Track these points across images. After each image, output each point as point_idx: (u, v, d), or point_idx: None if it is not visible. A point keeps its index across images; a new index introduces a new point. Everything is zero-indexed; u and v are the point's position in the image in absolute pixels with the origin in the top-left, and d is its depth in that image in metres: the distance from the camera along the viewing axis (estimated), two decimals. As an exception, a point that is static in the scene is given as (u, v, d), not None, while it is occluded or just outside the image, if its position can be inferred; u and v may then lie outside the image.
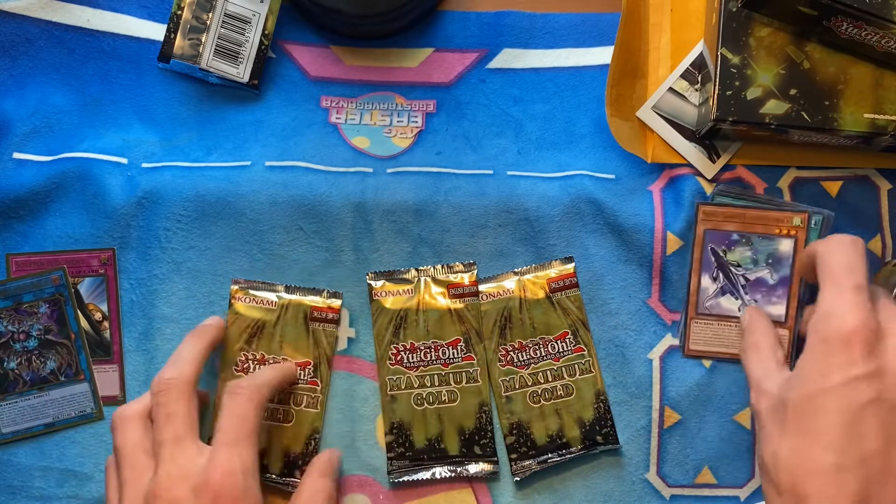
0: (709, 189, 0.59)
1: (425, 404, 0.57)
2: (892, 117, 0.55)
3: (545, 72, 0.62)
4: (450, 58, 0.62)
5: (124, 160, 0.59)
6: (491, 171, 0.60)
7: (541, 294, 0.59)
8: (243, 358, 0.57)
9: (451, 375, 0.58)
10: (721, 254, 0.59)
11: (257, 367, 0.57)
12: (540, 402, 0.58)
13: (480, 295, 0.59)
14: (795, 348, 0.59)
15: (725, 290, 0.59)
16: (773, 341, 0.51)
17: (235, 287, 0.58)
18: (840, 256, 0.47)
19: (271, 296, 0.58)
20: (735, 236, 0.59)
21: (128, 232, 0.58)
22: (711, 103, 0.56)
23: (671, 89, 0.60)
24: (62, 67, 0.61)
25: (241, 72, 0.60)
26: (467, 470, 0.57)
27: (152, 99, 0.61)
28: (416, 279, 0.59)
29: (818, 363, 0.44)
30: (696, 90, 0.60)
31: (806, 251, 0.51)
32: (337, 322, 0.58)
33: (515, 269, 0.59)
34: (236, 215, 0.58)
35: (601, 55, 0.62)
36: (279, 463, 0.57)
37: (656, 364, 0.58)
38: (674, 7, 0.61)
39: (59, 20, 0.61)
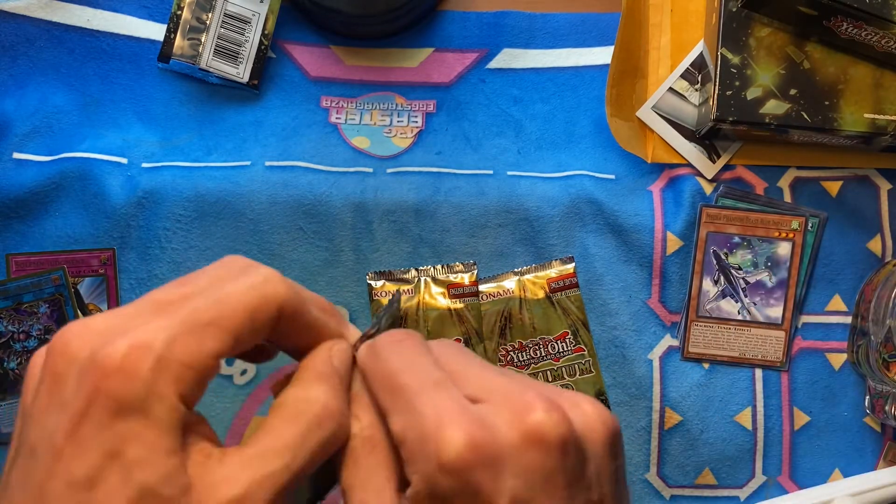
0: (709, 189, 0.59)
1: (425, 404, 0.57)
2: (892, 117, 0.55)
3: (545, 72, 0.62)
4: (450, 58, 0.62)
5: (124, 160, 0.59)
6: (491, 171, 0.60)
7: (541, 294, 0.59)
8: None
9: (451, 375, 0.58)
10: (723, 256, 0.59)
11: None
12: (540, 402, 0.58)
13: (480, 295, 0.59)
14: (791, 349, 0.59)
15: (726, 293, 0.59)
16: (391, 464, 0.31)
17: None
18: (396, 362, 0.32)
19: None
20: (736, 239, 0.59)
21: (128, 232, 0.58)
22: (711, 103, 0.56)
23: (671, 89, 0.60)
24: (62, 67, 0.61)
25: (241, 72, 0.60)
26: (467, 470, 0.57)
27: (152, 99, 0.61)
28: (416, 279, 0.59)
29: None
30: (696, 90, 0.60)
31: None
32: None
33: (515, 269, 0.59)
34: (236, 215, 0.58)
35: (601, 55, 0.62)
36: None
37: (656, 365, 0.58)
38: (674, 7, 0.61)
39: (59, 20, 0.60)
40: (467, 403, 0.29)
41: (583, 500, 0.29)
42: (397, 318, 0.35)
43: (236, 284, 0.30)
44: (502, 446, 0.28)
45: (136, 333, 0.28)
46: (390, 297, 0.40)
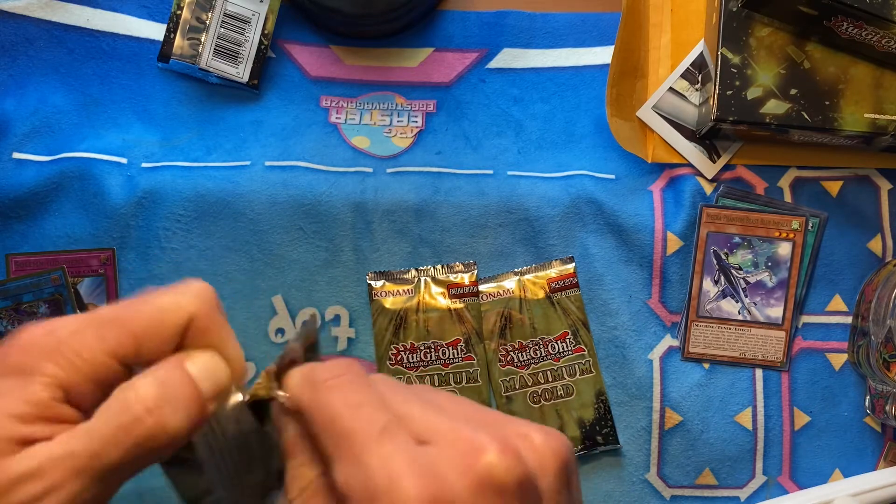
0: (709, 189, 0.59)
1: (425, 404, 0.57)
2: (893, 117, 0.55)
3: (545, 71, 0.62)
4: (450, 57, 0.62)
5: (124, 160, 0.59)
6: (491, 171, 0.60)
7: (541, 294, 0.58)
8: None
9: (451, 375, 0.58)
10: (723, 257, 0.59)
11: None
12: (540, 402, 0.58)
13: (480, 295, 0.59)
14: (791, 349, 0.59)
15: (726, 293, 0.59)
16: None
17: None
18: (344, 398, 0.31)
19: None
20: (737, 239, 0.59)
21: (127, 232, 0.58)
22: (712, 103, 0.56)
23: (671, 89, 0.60)
24: (62, 67, 0.60)
25: (241, 72, 0.60)
26: (467, 470, 0.57)
27: (152, 99, 0.61)
28: (416, 279, 0.59)
29: None
30: (697, 90, 0.60)
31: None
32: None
33: (515, 269, 0.59)
34: (236, 215, 0.58)
35: (601, 55, 0.62)
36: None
37: (656, 365, 0.58)
38: (674, 7, 0.60)
39: (59, 20, 0.60)
40: (417, 451, 0.28)
41: None
42: (313, 342, 0.33)
43: (158, 294, 0.31)
44: (456, 496, 0.27)
45: (55, 323, 0.30)
46: (306, 319, 0.36)
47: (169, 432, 0.29)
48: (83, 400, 0.30)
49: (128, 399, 0.29)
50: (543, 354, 0.58)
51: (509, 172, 0.60)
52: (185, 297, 0.31)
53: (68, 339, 0.29)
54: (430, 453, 0.28)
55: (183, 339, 0.31)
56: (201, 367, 0.31)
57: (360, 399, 0.30)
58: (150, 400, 0.29)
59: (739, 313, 0.59)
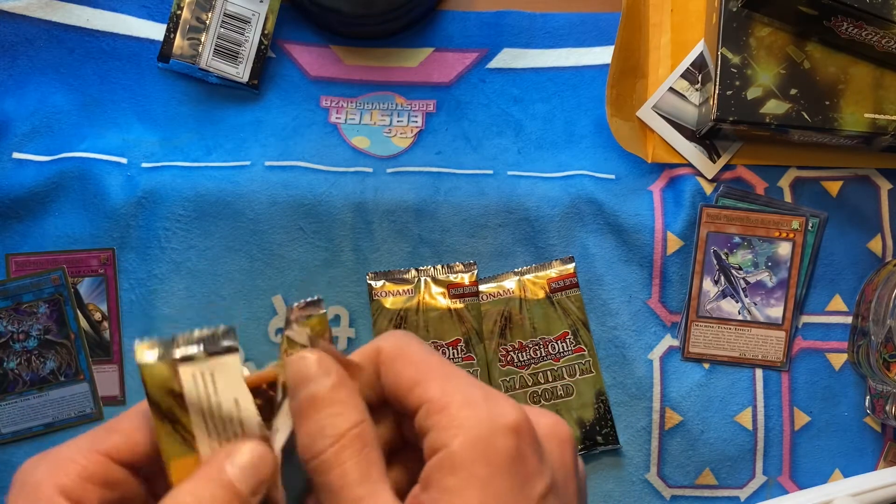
0: (709, 189, 0.59)
1: (425, 404, 0.57)
2: (893, 117, 0.55)
3: (545, 71, 0.62)
4: (450, 57, 0.62)
5: (124, 160, 0.59)
6: (491, 171, 0.60)
7: (541, 294, 0.58)
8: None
9: (451, 376, 0.58)
10: (723, 257, 0.59)
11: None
12: (540, 402, 0.58)
13: (480, 295, 0.59)
14: (791, 349, 0.59)
15: (726, 293, 0.59)
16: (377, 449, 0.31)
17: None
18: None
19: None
20: (737, 239, 0.59)
21: (127, 232, 0.58)
22: (712, 103, 0.56)
23: (671, 89, 0.60)
24: (62, 67, 0.60)
25: (241, 71, 0.60)
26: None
27: (152, 99, 0.61)
28: (416, 279, 0.59)
29: (483, 498, 0.28)
30: (697, 90, 0.60)
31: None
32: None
33: (515, 269, 0.59)
34: (236, 215, 0.58)
35: (601, 55, 0.62)
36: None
37: (656, 365, 0.58)
38: (674, 7, 0.60)
39: (59, 20, 0.60)
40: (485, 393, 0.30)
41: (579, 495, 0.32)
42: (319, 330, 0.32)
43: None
44: (539, 432, 0.30)
45: (54, 448, 0.31)
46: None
47: None
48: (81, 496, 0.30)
49: None
50: (543, 354, 0.58)
51: (509, 172, 0.60)
52: None
53: (60, 451, 0.30)
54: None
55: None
56: (243, 464, 0.30)
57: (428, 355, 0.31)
58: None
59: (739, 313, 0.59)
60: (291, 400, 0.30)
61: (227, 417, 0.30)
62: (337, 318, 0.59)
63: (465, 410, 0.29)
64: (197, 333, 0.30)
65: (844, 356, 0.59)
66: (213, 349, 0.30)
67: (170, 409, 0.30)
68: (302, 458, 0.30)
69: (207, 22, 0.59)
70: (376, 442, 0.30)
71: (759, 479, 0.58)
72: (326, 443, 0.29)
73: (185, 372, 0.30)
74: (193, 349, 0.30)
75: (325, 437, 0.29)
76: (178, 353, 0.30)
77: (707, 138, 0.60)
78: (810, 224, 0.59)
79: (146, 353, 0.30)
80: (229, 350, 0.30)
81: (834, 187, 0.60)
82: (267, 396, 0.31)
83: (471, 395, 0.29)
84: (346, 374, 0.31)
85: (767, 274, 0.59)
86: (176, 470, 0.30)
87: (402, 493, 0.30)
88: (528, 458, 0.29)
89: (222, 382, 0.30)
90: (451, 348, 0.58)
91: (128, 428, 0.31)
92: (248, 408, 0.30)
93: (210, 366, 0.30)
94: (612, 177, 0.60)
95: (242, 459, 0.30)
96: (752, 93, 0.55)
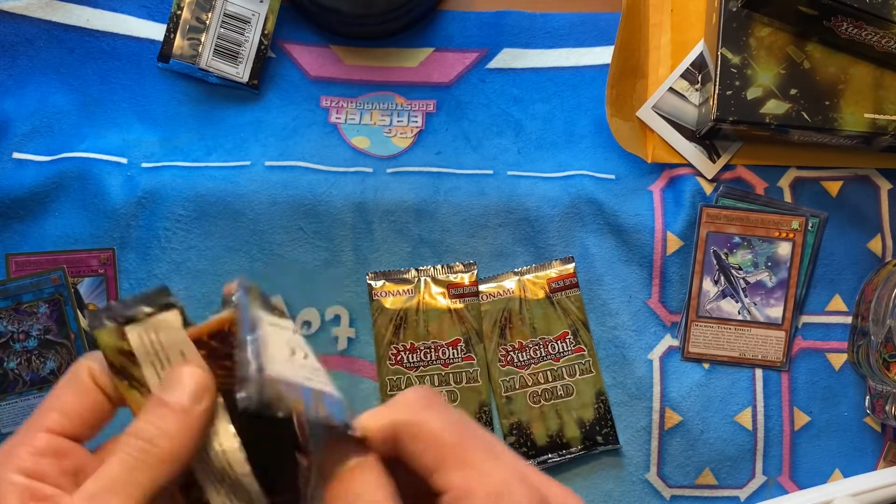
0: (709, 189, 0.59)
1: (425, 404, 0.57)
2: (893, 117, 0.55)
3: (545, 71, 0.62)
4: (450, 57, 0.62)
5: (124, 160, 0.59)
6: (491, 171, 0.60)
7: (541, 294, 0.58)
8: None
9: (450, 376, 0.58)
10: (723, 257, 0.59)
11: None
12: (540, 402, 0.58)
13: (480, 295, 0.59)
14: (791, 349, 0.59)
15: (726, 293, 0.59)
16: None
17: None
18: (443, 419, 0.33)
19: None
20: (737, 239, 0.59)
21: (127, 232, 0.58)
22: (712, 103, 0.56)
23: (671, 89, 0.60)
24: (62, 67, 0.60)
25: (241, 72, 0.60)
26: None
27: (152, 99, 0.61)
28: (416, 279, 0.59)
29: None
30: (697, 90, 0.60)
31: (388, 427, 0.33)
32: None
33: (515, 269, 0.59)
34: (236, 215, 0.58)
35: (601, 55, 0.62)
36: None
37: (656, 365, 0.58)
38: (674, 7, 0.60)
39: (59, 20, 0.60)
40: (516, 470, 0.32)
41: None
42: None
43: (61, 379, 0.34)
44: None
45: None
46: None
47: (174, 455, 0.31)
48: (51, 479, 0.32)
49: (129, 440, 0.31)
50: (543, 354, 0.58)
51: (509, 172, 0.60)
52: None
53: (6, 442, 0.32)
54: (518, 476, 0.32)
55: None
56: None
57: (457, 418, 0.33)
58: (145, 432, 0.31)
59: (739, 313, 0.59)
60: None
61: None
62: (337, 318, 0.59)
63: (490, 499, 0.30)
64: (137, 296, 0.32)
65: (844, 356, 0.59)
66: (152, 309, 0.32)
67: (123, 366, 0.32)
68: None
69: (207, 22, 0.59)
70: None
71: (759, 479, 0.58)
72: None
73: (132, 332, 0.32)
74: (134, 311, 0.32)
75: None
76: (123, 316, 0.32)
77: (707, 138, 0.60)
78: (810, 224, 0.59)
79: (96, 320, 0.32)
80: (167, 307, 0.32)
81: (834, 187, 0.60)
82: (210, 347, 0.32)
83: (492, 487, 0.30)
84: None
85: (767, 274, 0.59)
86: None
87: None
88: None
89: (165, 337, 0.32)
90: (451, 348, 0.58)
91: (58, 405, 0.33)
92: (194, 358, 0.32)
93: (152, 323, 0.32)
94: (612, 177, 0.60)
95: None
96: (752, 93, 0.55)
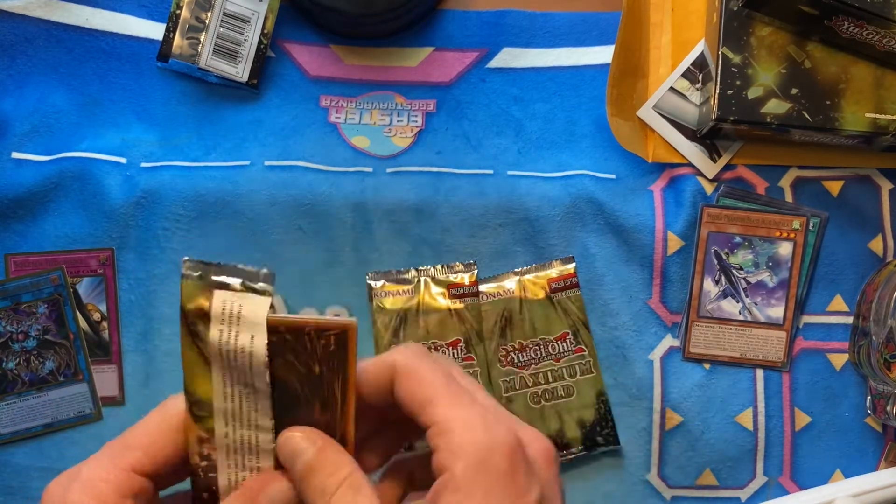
0: (710, 189, 0.59)
1: (425, 405, 0.57)
2: (893, 117, 0.55)
3: (545, 71, 0.62)
4: (450, 57, 0.62)
5: (123, 160, 0.59)
6: (491, 171, 0.60)
7: (541, 294, 0.58)
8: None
9: (451, 376, 0.58)
10: (724, 257, 0.58)
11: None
12: (540, 402, 0.58)
13: (480, 295, 0.59)
14: (792, 349, 0.59)
15: (727, 293, 0.58)
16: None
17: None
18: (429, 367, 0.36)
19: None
20: (738, 239, 0.59)
21: (127, 232, 0.58)
22: (712, 103, 0.55)
23: (672, 89, 0.60)
24: (61, 67, 0.60)
25: (241, 71, 0.60)
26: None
27: (151, 98, 0.60)
28: (416, 279, 0.58)
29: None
30: (697, 89, 0.60)
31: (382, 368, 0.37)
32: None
33: (516, 269, 0.59)
34: (235, 215, 0.58)
35: (602, 54, 0.62)
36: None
37: (657, 365, 0.58)
38: (674, 6, 0.60)
39: (58, 19, 0.60)
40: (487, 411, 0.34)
41: None
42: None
43: (151, 413, 0.35)
44: (529, 450, 0.34)
45: (74, 469, 0.33)
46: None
47: None
48: None
49: None
50: (543, 355, 0.58)
51: (509, 172, 0.60)
52: (170, 404, 0.35)
53: (87, 472, 0.33)
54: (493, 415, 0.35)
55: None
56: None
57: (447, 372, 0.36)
58: None
59: (740, 313, 0.58)
60: (291, 472, 0.34)
61: (240, 348, 0.33)
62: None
63: (465, 435, 0.33)
64: (241, 268, 0.34)
65: (845, 356, 0.59)
66: (250, 286, 0.33)
67: (194, 323, 0.33)
68: None
69: (207, 21, 0.59)
70: (367, 483, 0.34)
71: (760, 479, 0.58)
72: (326, 497, 0.33)
73: (218, 296, 0.33)
74: (233, 280, 0.33)
75: (325, 495, 0.33)
76: (219, 279, 0.33)
77: (708, 138, 0.59)
78: (811, 224, 0.59)
79: (191, 272, 0.33)
80: (263, 292, 0.33)
81: (835, 187, 0.60)
82: (283, 339, 0.33)
83: (470, 421, 0.33)
84: (330, 440, 0.35)
85: (768, 274, 0.59)
86: (189, 378, 0.33)
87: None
88: (520, 476, 0.33)
89: (245, 315, 0.33)
90: (451, 348, 0.58)
91: (145, 443, 0.34)
92: (260, 345, 0.33)
93: (241, 298, 0.33)
94: (613, 176, 0.60)
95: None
96: (753, 92, 0.55)
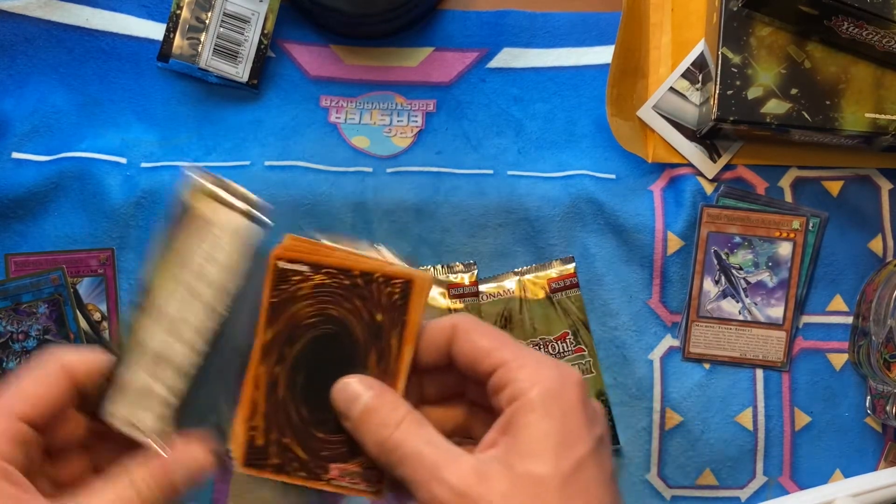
0: (710, 189, 0.59)
1: (425, 405, 0.57)
2: (893, 117, 0.55)
3: (545, 71, 0.62)
4: (450, 57, 0.62)
5: (123, 160, 0.59)
6: (491, 171, 0.60)
7: (541, 294, 0.58)
8: None
9: (451, 376, 0.58)
10: (724, 257, 0.58)
11: None
12: (540, 402, 0.58)
13: (480, 295, 0.59)
14: (792, 349, 0.59)
15: (727, 293, 0.58)
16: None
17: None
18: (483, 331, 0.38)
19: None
20: (737, 239, 0.59)
21: (127, 232, 0.58)
22: (712, 103, 0.55)
23: (672, 89, 0.60)
24: (61, 67, 0.60)
25: (241, 71, 0.60)
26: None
27: (151, 98, 0.61)
28: (416, 279, 0.58)
29: (559, 430, 0.35)
30: (697, 90, 0.60)
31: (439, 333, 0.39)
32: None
33: (516, 270, 0.59)
34: (236, 215, 0.58)
35: (602, 54, 0.62)
36: None
37: (657, 365, 0.58)
38: (674, 6, 0.60)
39: (58, 19, 0.60)
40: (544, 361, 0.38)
41: None
42: None
43: (33, 365, 0.38)
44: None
45: None
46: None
47: None
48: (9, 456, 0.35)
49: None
50: (544, 354, 0.58)
51: (509, 172, 0.60)
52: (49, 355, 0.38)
53: None
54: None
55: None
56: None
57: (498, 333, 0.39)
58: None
59: (740, 313, 0.59)
60: (346, 420, 0.37)
61: (200, 259, 0.36)
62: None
63: (540, 369, 0.36)
64: (254, 197, 0.36)
65: (845, 356, 0.59)
66: (247, 214, 0.36)
67: (185, 213, 0.35)
68: (377, 458, 0.36)
69: (207, 21, 0.59)
70: (426, 421, 0.36)
71: (760, 479, 0.58)
72: (390, 430, 0.35)
73: (210, 204, 0.36)
74: (233, 201, 0.35)
75: (388, 427, 0.36)
76: (227, 197, 0.35)
77: (707, 138, 0.60)
78: (811, 224, 0.59)
79: (205, 181, 0.35)
80: (261, 223, 0.36)
81: (834, 187, 0.60)
82: (355, 282, 0.37)
83: (541, 359, 0.37)
84: (386, 386, 0.37)
85: (768, 274, 0.59)
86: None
87: None
88: (588, 409, 0.36)
89: (228, 234, 0.35)
90: (451, 348, 0.58)
91: (31, 394, 0.36)
92: (231, 262, 0.36)
93: (234, 219, 0.36)
94: (613, 177, 0.60)
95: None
96: (753, 92, 0.55)
